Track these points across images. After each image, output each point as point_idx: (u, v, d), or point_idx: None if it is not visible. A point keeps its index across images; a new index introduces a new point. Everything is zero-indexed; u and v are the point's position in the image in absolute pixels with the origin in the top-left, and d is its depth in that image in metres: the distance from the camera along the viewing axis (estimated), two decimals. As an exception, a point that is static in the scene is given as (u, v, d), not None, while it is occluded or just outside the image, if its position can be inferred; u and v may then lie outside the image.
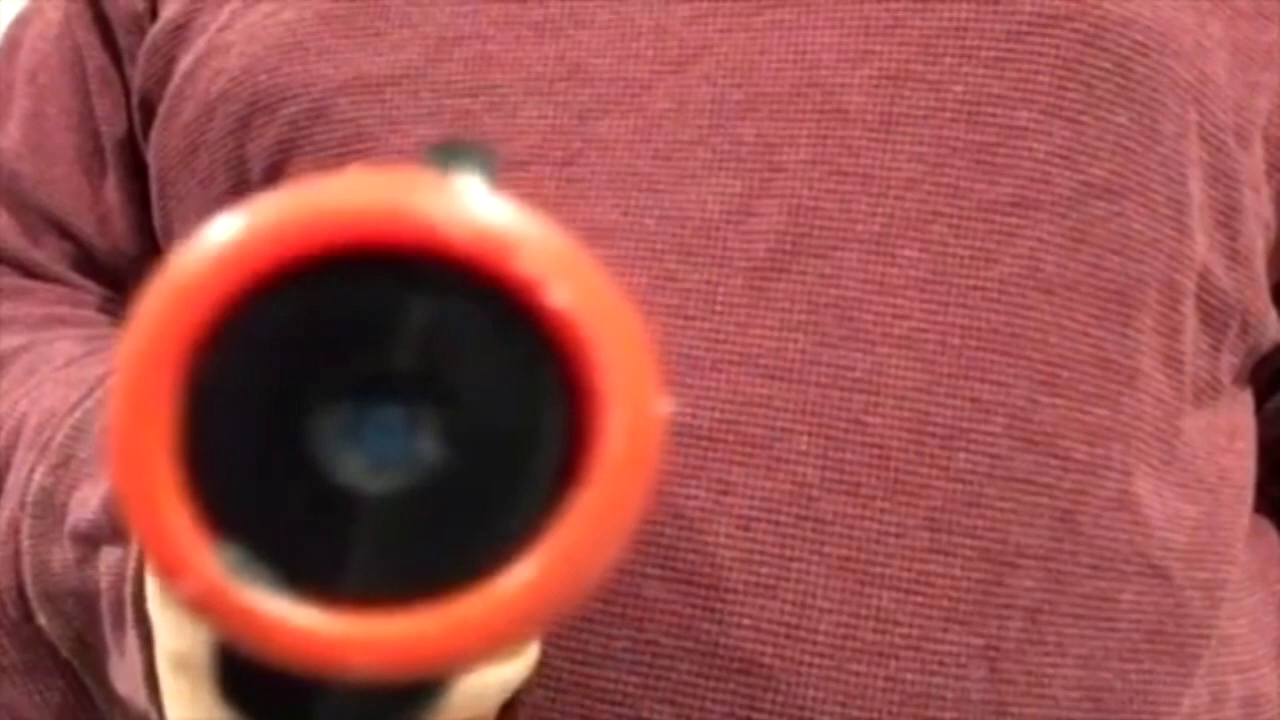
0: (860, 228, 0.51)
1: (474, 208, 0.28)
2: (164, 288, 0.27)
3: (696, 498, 0.49)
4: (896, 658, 0.49)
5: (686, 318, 0.51)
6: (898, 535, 0.49)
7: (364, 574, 0.28)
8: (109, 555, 0.52)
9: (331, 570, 0.28)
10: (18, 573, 0.55)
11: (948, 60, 0.52)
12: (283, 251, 0.27)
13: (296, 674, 0.28)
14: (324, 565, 0.28)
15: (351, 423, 0.28)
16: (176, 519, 0.27)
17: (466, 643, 0.28)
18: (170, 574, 0.28)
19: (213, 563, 0.27)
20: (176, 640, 0.44)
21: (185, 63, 0.61)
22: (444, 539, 0.28)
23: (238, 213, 0.27)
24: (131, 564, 0.49)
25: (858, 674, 0.49)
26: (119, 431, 0.27)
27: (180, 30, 0.61)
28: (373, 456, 0.28)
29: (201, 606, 0.28)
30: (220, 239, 0.27)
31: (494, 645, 0.28)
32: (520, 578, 0.28)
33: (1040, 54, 0.52)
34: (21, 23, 0.71)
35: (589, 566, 0.28)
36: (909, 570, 0.49)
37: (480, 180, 0.29)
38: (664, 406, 0.29)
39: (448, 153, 0.30)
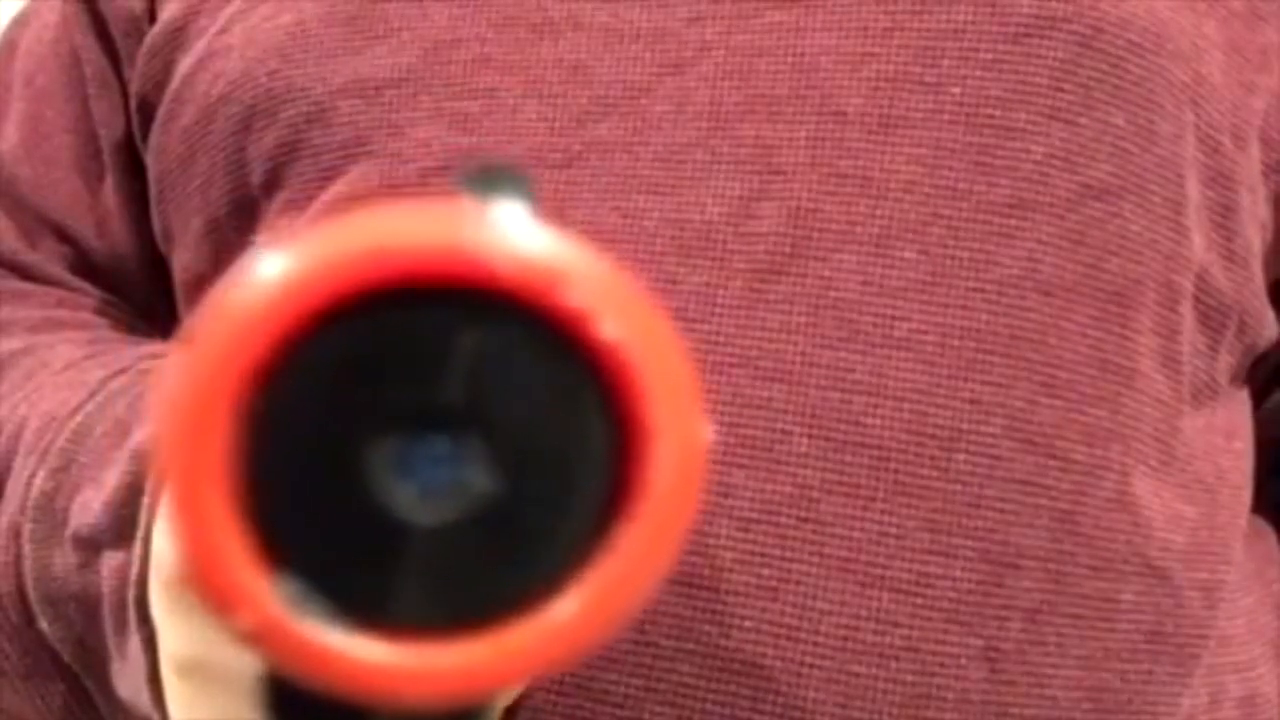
0: (859, 230, 0.51)
1: (520, 239, 0.27)
2: (217, 323, 0.27)
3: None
4: (897, 659, 0.49)
5: (686, 320, 0.51)
6: (898, 537, 0.50)
7: (413, 604, 0.28)
8: (111, 559, 0.52)
9: (381, 600, 0.28)
10: (19, 577, 0.55)
11: (946, 63, 0.52)
12: (333, 288, 0.27)
13: (343, 703, 0.28)
14: (374, 595, 0.28)
15: (402, 454, 0.28)
16: (234, 553, 0.27)
17: (515, 672, 0.28)
18: (228, 608, 0.27)
19: (271, 596, 0.27)
20: (182, 645, 0.44)
21: (184, 65, 0.60)
22: (493, 569, 0.28)
23: (287, 248, 0.27)
24: (135, 568, 0.49)
25: (858, 675, 0.49)
26: (175, 467, 0.27)
27: (179, 33, 0.61)
28: (423, 487, 0.28)
29: (259, 639, 0.28)
30: (271, 275, 0.27)
31: (541, 674, 0.28)
32: (568, 608, 0.28)
33: (1038, 56, 0.52)
34: (19, 25, 0.71)
35: (634, 596, 0.28)
36: (909, 571, 0.50)
37: (522, 208, 0.29)
38: (708, 435, 0.29)
39: (486, 180, 0.30)
